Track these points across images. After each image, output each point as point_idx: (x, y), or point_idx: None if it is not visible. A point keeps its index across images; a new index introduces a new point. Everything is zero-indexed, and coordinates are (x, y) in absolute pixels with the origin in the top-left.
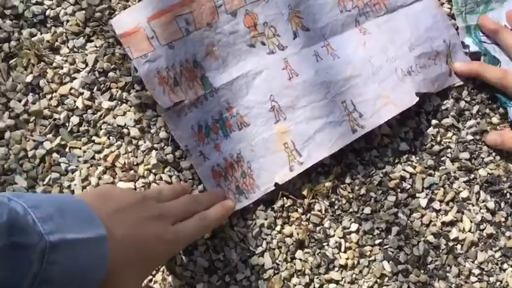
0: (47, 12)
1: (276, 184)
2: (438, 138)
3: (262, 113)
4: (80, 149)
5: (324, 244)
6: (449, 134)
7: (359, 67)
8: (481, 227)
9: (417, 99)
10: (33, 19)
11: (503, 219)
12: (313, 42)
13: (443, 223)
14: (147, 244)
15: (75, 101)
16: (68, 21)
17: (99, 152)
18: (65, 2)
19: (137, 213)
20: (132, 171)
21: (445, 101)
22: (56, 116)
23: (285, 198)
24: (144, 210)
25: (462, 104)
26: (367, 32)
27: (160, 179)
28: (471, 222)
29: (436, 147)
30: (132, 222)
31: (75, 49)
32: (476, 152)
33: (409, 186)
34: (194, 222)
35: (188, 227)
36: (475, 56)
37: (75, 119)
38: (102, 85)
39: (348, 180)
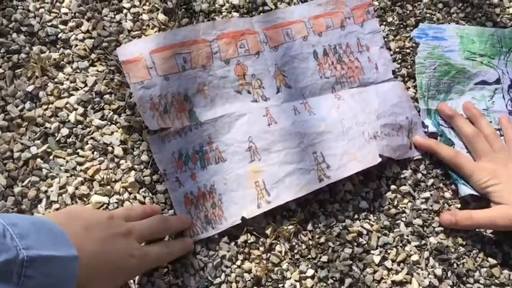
0: (59, 35)
1: (243, 218)
2: (395, 203)
3: (239, 151)
4: (64, 158)
5: (280, 285)
6: (406, 201)
7: (331, 125)
8: None
9: (380, 159)
10: (45, 38)
11: None
12: (293, 98)
13: (393, 282)
14: (114, 260)
15: (68, 115)
16: (76, 45)
17: (81, 164)
18: (77, 29)
19: (105, 231)
20: (108, 187)
21: (404, 171)
22: (47, 125)
23: (249, 234)
24: (111, 228)
25: (419, 175)
26: (341, 98)
27: (135, 198)
28: (419, 285)
29: (393, 210)
30: (100, 239)
31: (78, 70)
32: (429, 221)
33: (365, 242)
34: (159, 248)
35: (153, 250)
36: (432, 136)
37: (64, 131)
38: (97, 105)
39: (309, 227)
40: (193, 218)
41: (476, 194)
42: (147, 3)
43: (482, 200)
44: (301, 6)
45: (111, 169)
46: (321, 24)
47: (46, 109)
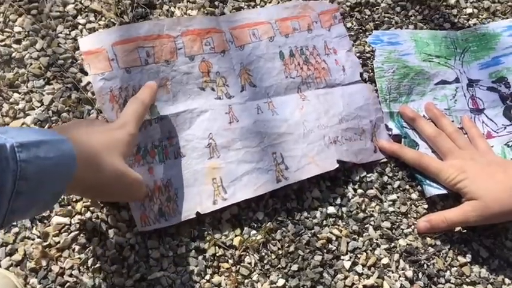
0: (13, 54)
1: (198, 213)
2: (363, 207)
3: (198, 147)
4: None
5: None
6: (373, 204)
7: (293, 126)
8: None
9: (337, 165)
10: None
11: None
12: (257, 97)
13: (364, 286)
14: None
15: None
16: (31, 64)
17: None
18: (32, 47)
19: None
20: (69, 207)
21: (370, 174)
22: None
23: (217, 247)
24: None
25: (385, 178)
26: (306, 99)
27: (97, 217)
28: None
29: (361, 215)
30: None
31: (33, 89)
32: (397, 223)
33: (335, 248)
34: (130, 105)
35: (127, 109)
36: (397, 138)
37: None
38: (54, 124)
39: (278, 236)
40: (147, 210)
41: (442, 192)
42: (103, 18)
43: (449, 199)
44: (268, 8)
45: None
46: (287, 26)
47: None
